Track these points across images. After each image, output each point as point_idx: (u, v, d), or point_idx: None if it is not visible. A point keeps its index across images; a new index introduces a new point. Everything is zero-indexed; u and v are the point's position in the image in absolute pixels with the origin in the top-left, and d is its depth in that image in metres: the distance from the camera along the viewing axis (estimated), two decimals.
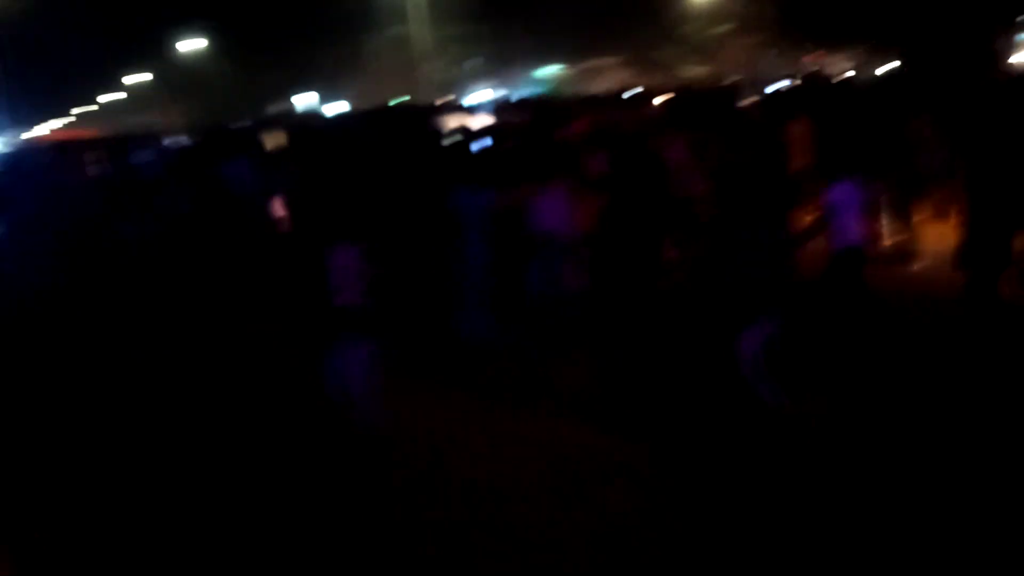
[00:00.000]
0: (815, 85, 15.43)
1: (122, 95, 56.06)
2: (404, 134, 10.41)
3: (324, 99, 39.43)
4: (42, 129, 50.69)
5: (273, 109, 25.79)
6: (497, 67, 36.24)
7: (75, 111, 58.29)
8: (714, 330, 5.18)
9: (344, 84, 37.85)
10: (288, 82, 39.61)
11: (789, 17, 39.99)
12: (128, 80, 53.16)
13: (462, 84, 33.89)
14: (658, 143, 7.08)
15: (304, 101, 37.31)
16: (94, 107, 57.70)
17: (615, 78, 36.14)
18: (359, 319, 4.55)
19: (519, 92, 30.90)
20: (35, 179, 9.55)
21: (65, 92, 52.25)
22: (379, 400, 4.69)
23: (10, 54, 30.79)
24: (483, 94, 31.40)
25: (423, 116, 13.09)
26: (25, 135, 36.72)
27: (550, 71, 36.10)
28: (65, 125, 54.42)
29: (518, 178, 6.57)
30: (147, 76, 51.94)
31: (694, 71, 38.91)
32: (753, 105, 12.79)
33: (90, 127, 49.24)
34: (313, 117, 21.31)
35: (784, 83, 19.16)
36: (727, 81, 21.22)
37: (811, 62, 45.42)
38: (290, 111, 27.16)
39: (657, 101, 14.11)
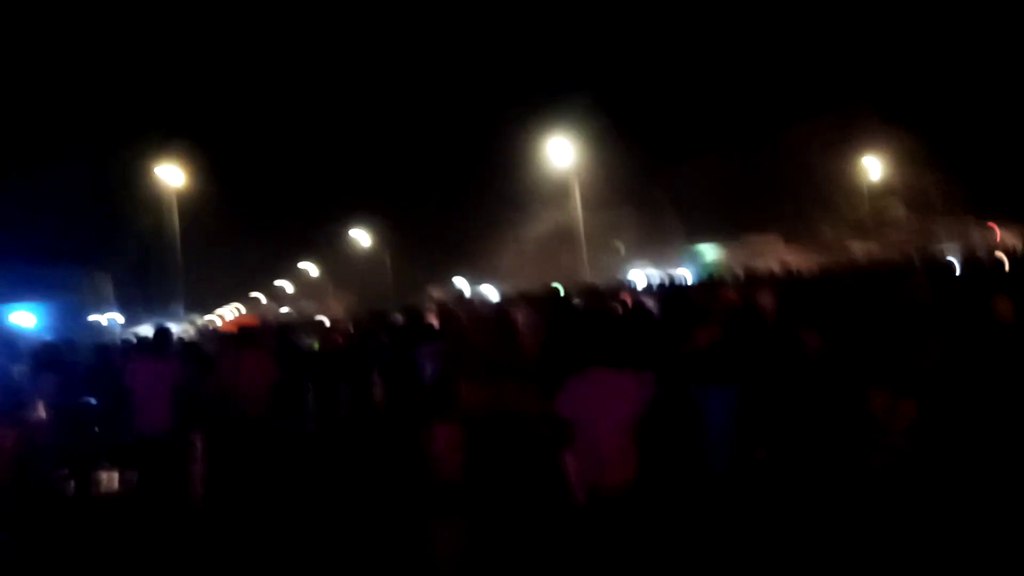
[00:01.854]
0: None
1: (290, 283, 59.74)
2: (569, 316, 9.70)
3: (477, 283, 40.12)
4: (218, 315, 54.06)
5: (443, 294, 25.99)
6: (655, 246, 35.77)
7: (252, 294, 62.30)
8: None
9: (499, 268, 38.38)
10: (444, 268, 40.70)
11: (956, 193, 38.24)
12: (300, 267, 56.72)
13: (619, 266, 33.48)
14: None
15: (462, 285, 37.97)
16: (260, 295, 61.55)
17: (775, 254, 34.88)
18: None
19: (677, 270, 30.09)
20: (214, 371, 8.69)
21: (241, 277, 56.15)
22: None
23: (194, 242, 33.42)
24: (640, 274, 30.75)
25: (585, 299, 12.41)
26: (205, 319, 38.70)
27: (708, 249, 35.23)
28: (237, 311, 57.98)
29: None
30: (314, 266, 55.24)
31: (858, 247, 37.17)
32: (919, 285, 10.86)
33: (260, 311, 52.21)
34: (479, 301, 21.14)
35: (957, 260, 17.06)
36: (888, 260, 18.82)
37: (984, 237, 42.79)
38: (459, 295, 27.48)
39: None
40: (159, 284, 32.30)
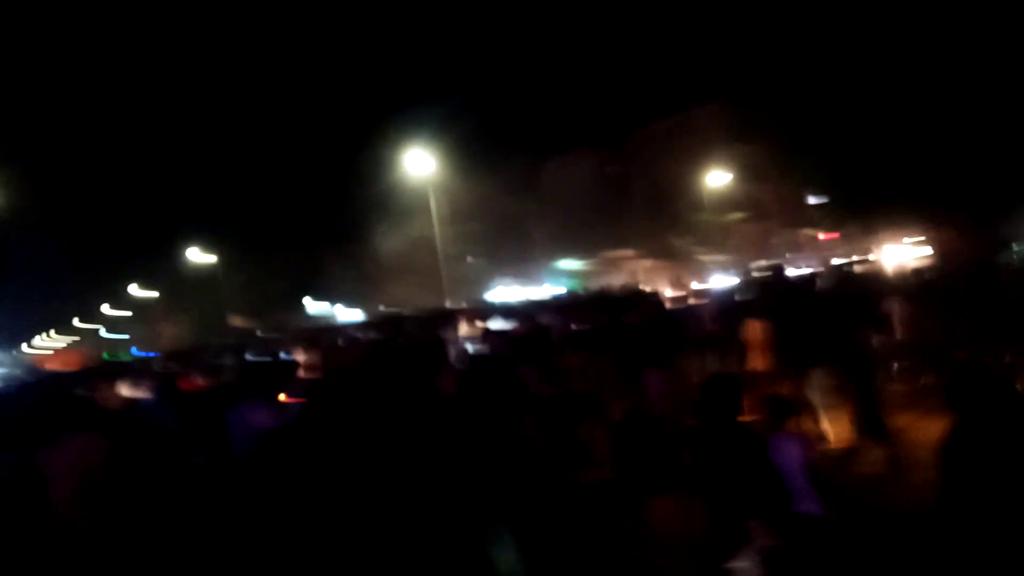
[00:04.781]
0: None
1: (116, 308, 54.78)
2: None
3: (329, 303, 37.83)
4: (39, 345, 48.86)
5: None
6: (517, 264, 34.81)
7: (77, 324, 56.63)
8: None
9: (351, 287, 36.36)
10: (293, 291, 38.20)
11: (795, 204, 39.65)
12: (129, 290, 51.87)
13: (478, 283, 32.26)
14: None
15: (314, 308, 35.65)
16: (89, 325, 56.17)
17: (633, 270, 34.86)
18: None
19: (540, 288, 29.33)
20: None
21: (65, 304, 50.94)
22: None
23: (14, 266, 29.61)
24: (502, 293, 29.75)
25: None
26: (25, 351, 34.42)
27: (571, 265, 34.76)
28: (65, 344, 52.61)
29: None
30: (143, 289, 50.75)
31: (711, 258, 37.72)
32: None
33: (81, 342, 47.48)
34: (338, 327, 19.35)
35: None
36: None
37: (820, 244, 44.75)
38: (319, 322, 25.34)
39: None
40: None
